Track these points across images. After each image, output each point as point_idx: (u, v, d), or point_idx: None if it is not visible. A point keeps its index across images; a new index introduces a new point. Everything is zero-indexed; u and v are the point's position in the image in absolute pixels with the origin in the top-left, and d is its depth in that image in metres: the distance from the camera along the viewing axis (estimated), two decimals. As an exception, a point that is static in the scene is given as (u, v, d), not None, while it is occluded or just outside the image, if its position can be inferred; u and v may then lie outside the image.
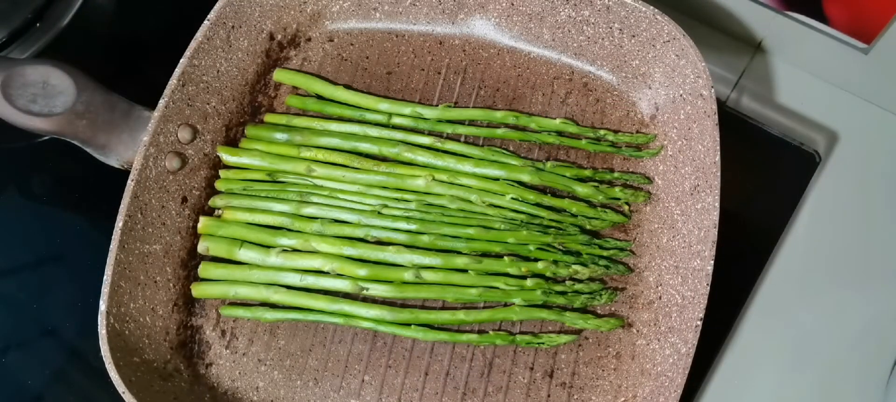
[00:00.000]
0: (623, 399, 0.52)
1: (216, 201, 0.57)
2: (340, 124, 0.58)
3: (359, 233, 0.55)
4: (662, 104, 0.56)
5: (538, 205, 0.55)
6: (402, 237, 0.54)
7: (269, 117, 0.59)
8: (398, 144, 0.56)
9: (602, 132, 0.56)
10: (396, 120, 0.58)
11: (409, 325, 0.54)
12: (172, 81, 0.56)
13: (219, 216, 0.57)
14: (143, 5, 0.72)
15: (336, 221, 0.55)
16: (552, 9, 0.58)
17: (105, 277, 0.52)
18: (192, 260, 0.57)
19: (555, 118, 0.57)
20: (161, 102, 0.55)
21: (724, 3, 0.63)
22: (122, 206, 0.53)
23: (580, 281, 0.54)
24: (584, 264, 0.53)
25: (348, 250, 0.54)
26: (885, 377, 0.56)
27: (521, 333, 0.54)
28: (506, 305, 0.54)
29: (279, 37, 0.61)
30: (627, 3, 0.55)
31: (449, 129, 0.58)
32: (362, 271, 0.54)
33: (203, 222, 0.56)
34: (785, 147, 0.61)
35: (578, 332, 0.53)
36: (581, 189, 0.55)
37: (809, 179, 0.61)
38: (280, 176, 0.57)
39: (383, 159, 0.57)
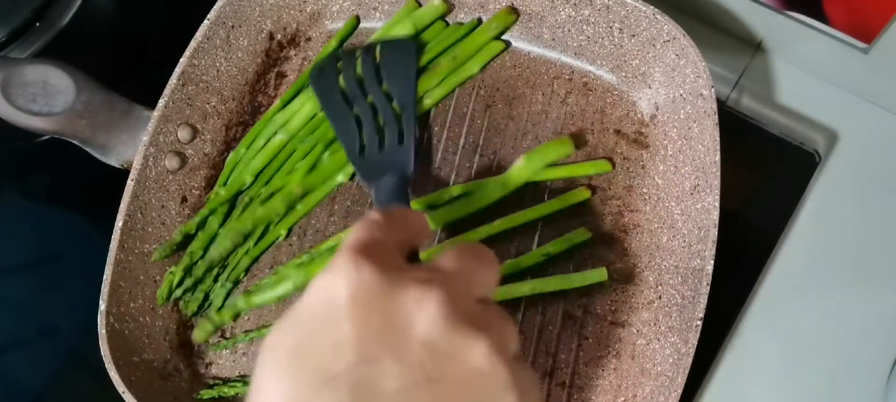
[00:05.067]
0: (623, 399, 0.52)
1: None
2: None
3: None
4: (662, 104, 0.56)
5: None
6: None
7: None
8: None
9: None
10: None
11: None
12: (172, 81, 0.56)
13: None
14: (143, 5, 0.72)
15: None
16: (552, 8, 0.58)
17: (105, 276, 0.52)
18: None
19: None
20: (161, 102, 0.55)
21: (724, 2, 0.63)
22: (121, 205, 0.53)
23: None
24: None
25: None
26: (885, 377, 0.56)
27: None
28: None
29: (279, 36, 0.61)
30: (627, 3, 0.55)
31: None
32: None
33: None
34: (785, 147, 0.61)
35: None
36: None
37: (809, 179, 0.61)
38: None
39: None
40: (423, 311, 0.29)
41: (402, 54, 0.51)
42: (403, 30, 0.58)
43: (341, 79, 0.55)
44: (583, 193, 0.55)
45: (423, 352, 0.29)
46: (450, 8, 0.60)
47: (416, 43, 0.53)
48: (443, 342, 0.29)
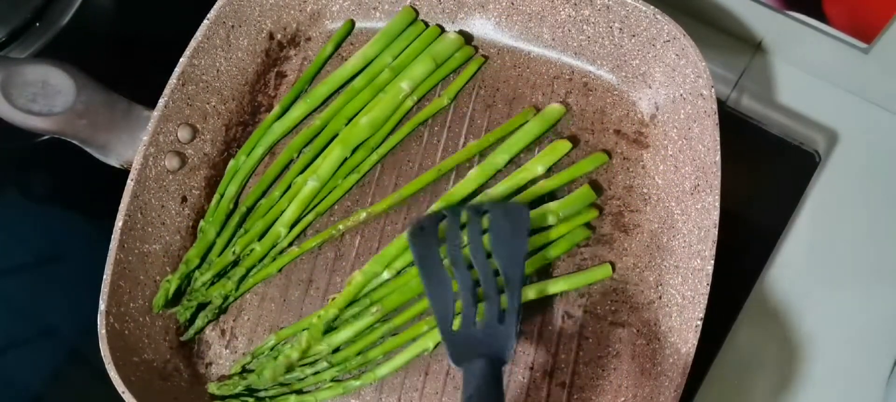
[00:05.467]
0: (623, 399, 0.52)
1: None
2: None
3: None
4: (662, 104, 0.56)
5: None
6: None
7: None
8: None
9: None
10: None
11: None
12: (172, 81, 0.56)
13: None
14: (143, 4, 0.72)
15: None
16: (552, 8, 0.58)
17: (105, 276, 0.52)
18: (191, 260, 0.57)
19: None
20: (161, 102, 0.55)
21: (724, 2, 0.63)
22: (121, 205, 0.53)
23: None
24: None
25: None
26: (885, 377, 0.56)
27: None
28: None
29: (279, 36, 0.61)
30: (628, 3, 0.55)
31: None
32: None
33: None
34: (785, 147, 0.61)
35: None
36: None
37: (809, 179, 0.61)
38: None
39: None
40: None
41: (512, 221, 0.45)
42: (424, 66, 0.58)
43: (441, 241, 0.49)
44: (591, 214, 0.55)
45: None
46: (468, 41, 0.60)
47: (528, 209, 0.47)
48: None
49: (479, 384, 0.38)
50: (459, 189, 0.56)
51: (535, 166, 0.56)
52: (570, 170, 0.56)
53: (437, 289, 0.44)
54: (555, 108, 0.57)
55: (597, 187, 0.56)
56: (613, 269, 0.54)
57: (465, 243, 0.47)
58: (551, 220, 0.54)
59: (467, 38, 0.60)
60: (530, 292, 0.53)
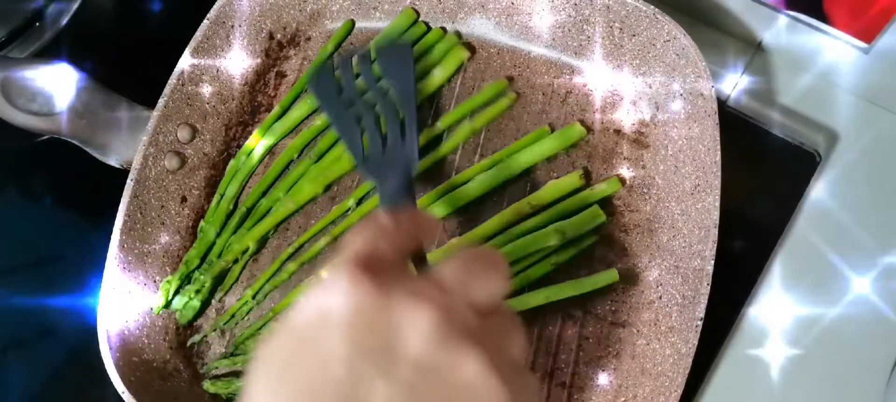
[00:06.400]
0: (623, 399, 0.51)
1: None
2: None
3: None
4: (663, 104, 0.56)
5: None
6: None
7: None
8: None
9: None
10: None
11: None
12: (172, 81, 0.56)
13: None
14: (143, 5, 0.72)
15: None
16: (552, 8, 0.58)
17: (105, 276, 0.52)
18: (191, 260, 0.57)
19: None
20: (160, 102, 0.56)
21: (724, 2, 0.63)
22: (121, 205, 0.53)
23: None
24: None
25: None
26: (885, 377, 0.56)
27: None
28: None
29: (279, 36, 0.61)
30: (628, 3, 0.55)
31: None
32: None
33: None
34: (785, 147, 0.61)
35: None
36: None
37: (809, 179, 0.61)
38: None
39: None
40: (414, 328, 0.29)
41: (398, 54, 0.52)
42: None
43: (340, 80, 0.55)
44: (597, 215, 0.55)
45: (413, 370, 0.29)
46: (471, 53, 0.60)
47: (410, 43, 0.54)
48: (432, 358, 0.29)
49: (394, 194, 0.43)
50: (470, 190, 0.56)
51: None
52: (584, 195, 0.55)
53: (343, 124, 0.49)
54: (576, 128, 0.57)
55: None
56: (614, 268, 0.54)
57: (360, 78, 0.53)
58: (553, 240, 0.53)
59: (467, 38, 0.60)
60: (538, 298, 0.53)
